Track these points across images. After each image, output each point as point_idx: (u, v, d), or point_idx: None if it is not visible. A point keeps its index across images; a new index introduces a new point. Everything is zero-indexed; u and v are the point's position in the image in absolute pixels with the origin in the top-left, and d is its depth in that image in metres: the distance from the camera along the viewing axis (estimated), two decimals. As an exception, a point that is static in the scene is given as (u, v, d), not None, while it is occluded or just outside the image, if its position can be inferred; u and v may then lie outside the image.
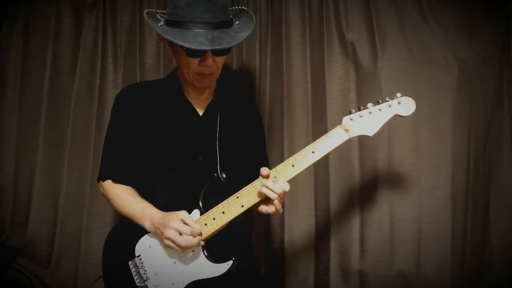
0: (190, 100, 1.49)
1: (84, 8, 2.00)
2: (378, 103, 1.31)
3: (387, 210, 1.77)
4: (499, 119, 1.82)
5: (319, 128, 1.85)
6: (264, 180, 1.28)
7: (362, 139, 1.81)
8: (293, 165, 1.29)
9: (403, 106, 1.30)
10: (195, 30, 1.29)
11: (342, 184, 1.83)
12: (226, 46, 1.28)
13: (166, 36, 1.29)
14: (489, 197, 1.83)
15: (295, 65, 1.87)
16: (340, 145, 1.80)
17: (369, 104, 1.31)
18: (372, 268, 1.77)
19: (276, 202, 1.28)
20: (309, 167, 1.81)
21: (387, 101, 1.31)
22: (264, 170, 1.29)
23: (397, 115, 1.31)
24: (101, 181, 1.46)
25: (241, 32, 1.33)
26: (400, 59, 1.77)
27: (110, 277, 1.43)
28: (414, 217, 1.75)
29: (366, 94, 1.81)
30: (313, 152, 1.29)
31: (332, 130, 1.32)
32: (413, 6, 1.79)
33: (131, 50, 1.98)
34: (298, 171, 1.30)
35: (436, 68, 1.76)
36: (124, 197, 1.41)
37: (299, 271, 1.87)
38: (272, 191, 1.25)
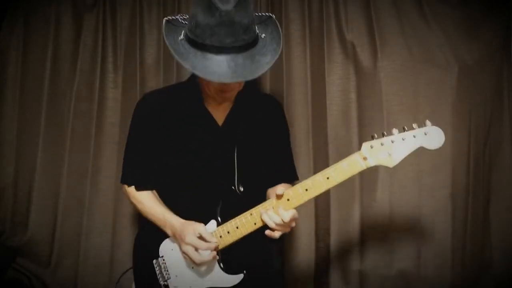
0: (210, 110, 1.44)
1: (84, 8, 2.00)
2: (404, 129, 1.19)
3: (387, 210, 1.77)
4: (499, 119, 1.82)
5: (319, 128, 1.85)
6: (268, 206, 1.27)
7: (362, 141, 1.80)
8: (306, 189, 1.26)
9: (430, 137, 1.18)
10: (218, 56, 1.20)
11: (342, 185, 1.82)
12: (250, 78, 1.21)
13: (187, 66, 1.21)
14: (489, 197, 1.83)
15: (295, 65, 1.88)
16: (340, 145, 1.84)
17: (394, 131, 1.19)
18: (372, 268, 1.77)
19: (276, 231, 1.26)
20: (308, 169, 1.85)
21: (413, 129, 1.19)
22: (279, 191, 1.25)
23: (422, 147, 1.19)
24: (125, 185, 1.48)
25: (266, 55, 1.24)
26: (400, 59, 1.77)
27: (138, 272, 1.46)
28: (414, 217, 1.75)
29: (366, 94, 1.81)
30: (328, 178, 1.24)
31: (349, 157, 1.23)
32: (413, 6, 1.79)
33: (131, 50, 1.98)
34: (311, 196, 1.27)
35: (436, 68, 1.76)
36: (145, 203, 1.42)
37: (299, 271, 1.87)
38: (271, 220, 1.24)
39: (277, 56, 1.24)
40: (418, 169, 1.76)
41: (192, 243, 1.26)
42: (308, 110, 1.87)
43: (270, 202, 1.28)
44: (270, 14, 1.35)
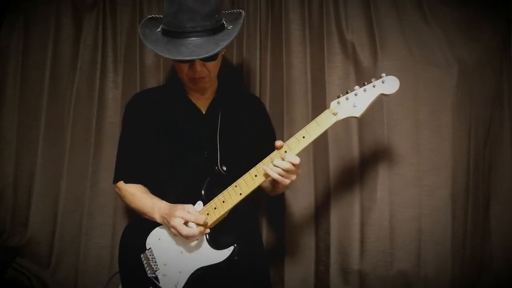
0: (193, 100, 1.57)
1: (84, 8, 2.00)
2: (364, 85, 1.33)
3: (387, 210, 1.77)
4: (499, 119, 1.82)
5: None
6: (266, 162, 1.33)
7: (362, 141, 1.81)
8: (285, 151, 1.33)
9: (387, 84, 1.31)
10: (180, 39, 1.35)
11: (342, 185, 1.83)
12: (203, 55, 1.30)
13: (147, 44, 1.38)
14: (489, 197, 1.83)
15: (295, 65, 1.87)
16: (340, 145, 1.83)
17: (356, 87, 1.34)
18: (372, 268, 1.77)
19: (280, 178, 1.30)
20: (309, 172, 1.85)
21: (372, 82, 1.33)
22: (278, 142, 1.33)
23: (382, 94, 1.32)
24: (115, 184, 1.56)
25: (226, 39, 1.35)
26: (400, 59, 1.77)
27: (125, 271, 1.50)
28: (414, 217, 1.75)
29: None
30: (303, 137, 1.33)
31: (320, 115, 1.34)
32: (413, 6, 1.79)
33: (131, 50, 1.98)
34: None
35: (436, 68, 1.75)
36: (135, 193, 1.50)
37: (299, 271, 1.87)
38: (280, 167, 1.29)
39: (232, 38, 1.36)
40: (418, 169, 1.76)
41: (181, 215, 1.33)
42: (308, 110, 1.87)
43: (254, 169, 1.34)
44: (241, 10, 1.49)
